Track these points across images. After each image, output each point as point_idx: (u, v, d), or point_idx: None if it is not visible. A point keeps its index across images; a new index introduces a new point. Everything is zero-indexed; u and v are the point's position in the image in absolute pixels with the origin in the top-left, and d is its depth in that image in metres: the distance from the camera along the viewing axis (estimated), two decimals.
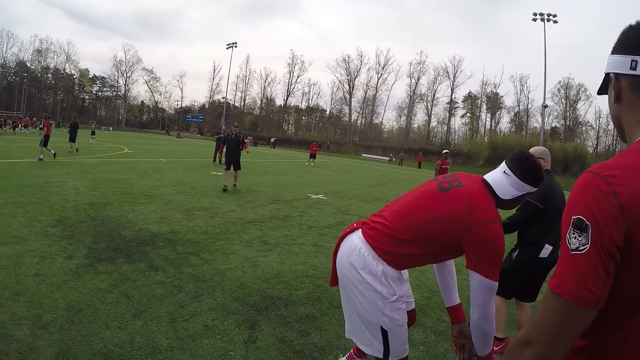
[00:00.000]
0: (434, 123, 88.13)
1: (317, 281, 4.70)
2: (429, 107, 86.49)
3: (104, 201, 8.22)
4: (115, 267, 4.57)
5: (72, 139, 19.61)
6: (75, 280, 4.11)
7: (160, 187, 10.70)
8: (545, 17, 44.05)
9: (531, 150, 3.31)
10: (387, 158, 56.78)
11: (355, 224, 2.16)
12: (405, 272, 2.07)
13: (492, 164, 46.86)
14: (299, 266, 5.17)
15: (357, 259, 1.96)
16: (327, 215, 8.98)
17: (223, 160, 19.70)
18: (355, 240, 2.02)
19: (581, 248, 0.84)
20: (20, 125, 42.81)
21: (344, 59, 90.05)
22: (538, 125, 70.66)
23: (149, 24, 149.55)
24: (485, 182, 1.94)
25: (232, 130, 11.72)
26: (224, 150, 11.55)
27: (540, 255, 3.17)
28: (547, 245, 3.17)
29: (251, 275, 4.76)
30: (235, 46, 73.22)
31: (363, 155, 67.64)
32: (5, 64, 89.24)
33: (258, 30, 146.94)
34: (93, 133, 35.30)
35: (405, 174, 31.72)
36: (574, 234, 0.86)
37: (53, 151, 15.49)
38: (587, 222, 0.84)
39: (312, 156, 27.12)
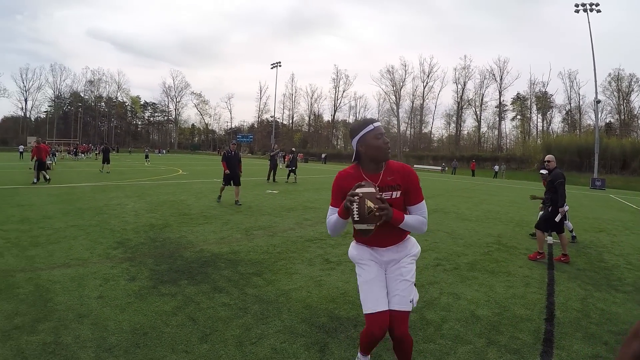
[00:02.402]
0: (484, 128, 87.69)
1: None
2: (478, 112, 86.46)
3: (163, 223, 8.57)
4: (178, 289, 4.68)
5: (105, 161, 23.43)
6: (139, 303, 4.23)
7: (217, 207, 11.02)
8: (588, 7, 43.33)
9: (546, 157, 7.45)
10: (440, 167, 56.43)
11: None
12: (359, 246, 2.77)
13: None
14: None
15: None
16: None
17: (276, 178, 20.12)
18: None
19: None
20: (79, 151, 46.48)
21: (388, 70, 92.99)
22: (592, 122, 68.10)
23: (193, 50, 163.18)
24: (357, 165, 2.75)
25: (231, 147, 12.42)
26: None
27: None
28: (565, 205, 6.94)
29: (317, 296, 4.70)
30: (280, 65, 77.55)
31: (415, 166, 68.01)
32: (61, 95, 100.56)
33: (300, 48, 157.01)
34: (147, 156, 37.57)
35: (459, 183, 30.99)
36: None
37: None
38: None
39: None
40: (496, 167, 51.68)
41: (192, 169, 30.80)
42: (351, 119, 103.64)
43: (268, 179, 20.85)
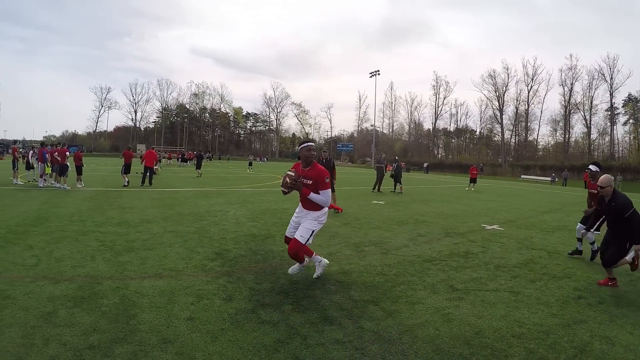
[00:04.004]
0: (594, 135, 78.88)
1: (528, 344, 3.76)
2: (587, 117, 78.20)
3: (265, 233, 8.11)
4: (281, 316, 3.95)
5: (198, 167, 27.68)
6: (234, 330, 3.58)
7: None
8: None
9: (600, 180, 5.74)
10: (549, 178, 52.31)
11: None
12: (297, 211, 5.25)
13: None
14: (500, 322, 4.24)
15: None
16: (511, 250, 7.85)
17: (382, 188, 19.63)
18: None
19: None
20: (187, 158, 49.84)
21: (490, 74, 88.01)
22: None
23: (292, 63, 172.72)
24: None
25: (322, 155, 12.33)
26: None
27: None
28: None
29: (447, 335, 3.79)
30: (378, 74, 79.83)
31: (522, 176, 65.05)
32: (168, 106, 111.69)
33: (396, 57, 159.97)
34: (250, 164, 38.95)
35: (574, 195, 27.25)
36: None
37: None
38: None
39: (473, 180, 26.92)
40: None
41: None
42: (452, 127, 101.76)
43: (374, 189, 20.32)
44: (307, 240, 4.90)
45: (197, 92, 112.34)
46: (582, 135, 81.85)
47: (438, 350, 3.45)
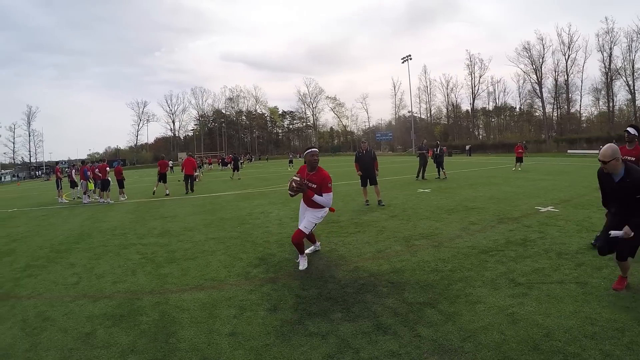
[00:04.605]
0: (639, 100, 72.00)
1: (603, 345, 3.30)
2: (630, 82, 71.61)
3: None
4: (331, 326, 3.65)
5: (235, 169, 28.32)
6: (280, 345, 3.32)
7: (368, 212, 10.05)
8: None
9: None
10: (597, 151, 48.39)
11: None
12: (302, 206, 6.05)
13: None
14: (570, 320, 3.81)
15: None
16: (571, 234, 7.09)
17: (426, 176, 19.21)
18: None
19: None
20: (227, 162, 50.58)
21: (524, 47, 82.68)
22: None
23: (322, 58, 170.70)
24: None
25: (362, 147, 12.10)
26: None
27: None
28: None
29: (513, 339, 3.36)
30: (410, 58, 78.10)
31: (568, 151, 61.46)
32: (204, 113, 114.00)
33: (426, 40, 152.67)
34: (291, 162, 39.08)
35: None
36: None
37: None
38: None
39: (519, 160, 25.98)
40: None
41: (334, 170, 30.75)
42: (491, 106, 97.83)
43: (417, 176, 19.75)
44: (310, 231, 5.75)
45: (231, 97, 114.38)
46: (626, 102, 76.67)
47: (505, 358, 3.06)
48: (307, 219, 5.73)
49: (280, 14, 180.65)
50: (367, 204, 11.43)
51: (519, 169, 24.68)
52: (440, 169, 20.19)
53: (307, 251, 6.06)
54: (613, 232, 4.15)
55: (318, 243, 6.51)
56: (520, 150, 25.72)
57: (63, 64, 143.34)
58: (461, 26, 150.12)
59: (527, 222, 8.15)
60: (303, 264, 5.67)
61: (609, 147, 4.20)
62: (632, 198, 4.10)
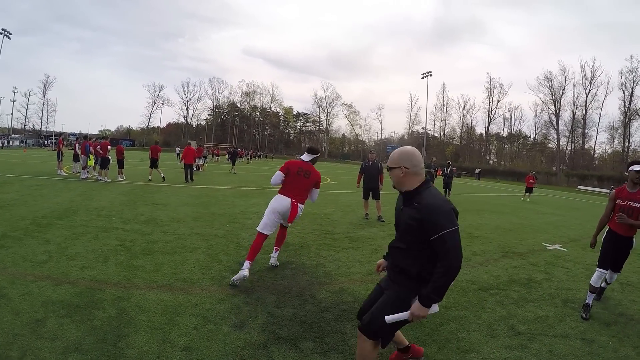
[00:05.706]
0: None
1: None
2: None
3: (301, 242, 7.47)
4: (298, 357, 3.24)
5: (233, 163, 29.75)
6: None
7: (366, 227, 9.63)
8: None
9: None
10: (608, 190, 49.38)
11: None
12: (276, 200, 5.55)
13: None
14: None
15: None
16: (579, 279, 6.64)
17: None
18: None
19: None
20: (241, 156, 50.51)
21: (546, 77, 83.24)
22: None
23: (342, 64, 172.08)
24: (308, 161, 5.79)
25: (370, 157, 11.86)
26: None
27: None
28: None
29: None
30: (430, 75, 77.96)
31: (578, 187, 62.09)
32: (219, 105, 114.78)
33: (448, 58, 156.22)
34: None
35: None
36: None
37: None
38: None
39: (528, 190, 25.73)
40: None
41: (341, 178, 30.35)
42: (505, 132, 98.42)
43: None
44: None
45: (248, 91, 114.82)
46: None
47: None
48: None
49: (307, 13, 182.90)
50: (367, 218, 11.09)
51: (528, 199, 24.44)
52: (448, 190, 19.84)
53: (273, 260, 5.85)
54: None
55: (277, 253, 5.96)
56: (531, 181, 25.60)
57: (87, 38, 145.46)
58: (485, 48, 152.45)
59: (533, 260, 7.73)
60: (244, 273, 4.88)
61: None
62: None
